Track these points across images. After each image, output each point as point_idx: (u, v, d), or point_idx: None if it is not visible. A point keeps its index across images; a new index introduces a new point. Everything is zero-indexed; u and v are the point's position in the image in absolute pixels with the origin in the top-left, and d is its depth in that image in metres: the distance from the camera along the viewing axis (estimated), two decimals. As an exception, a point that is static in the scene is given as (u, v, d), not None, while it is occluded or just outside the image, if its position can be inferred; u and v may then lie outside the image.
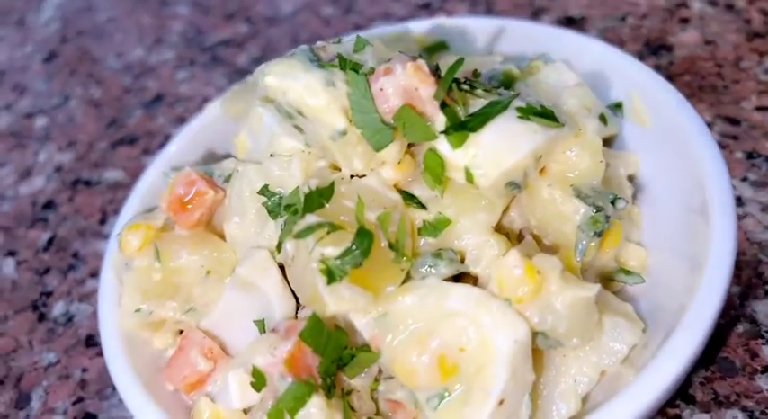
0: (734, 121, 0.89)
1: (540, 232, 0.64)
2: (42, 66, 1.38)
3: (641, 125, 0.71)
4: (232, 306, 0.65)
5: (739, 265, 0.74)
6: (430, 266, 0.59)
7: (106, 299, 0.69)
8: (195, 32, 1.35)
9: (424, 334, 0.56)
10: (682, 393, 0.67)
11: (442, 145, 0.60)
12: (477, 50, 0.83)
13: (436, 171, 0.60)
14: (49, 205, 1.08)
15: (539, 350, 0.59)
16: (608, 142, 0.72)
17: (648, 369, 0.54)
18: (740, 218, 0.79)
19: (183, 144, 0.81)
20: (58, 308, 0.92)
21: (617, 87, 0.73)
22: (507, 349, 0.54)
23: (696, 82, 0.95)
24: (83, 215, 1.05)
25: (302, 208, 0.58)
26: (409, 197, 0.62)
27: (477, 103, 0.61)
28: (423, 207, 0.62)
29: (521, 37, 0.81)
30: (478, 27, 0.84)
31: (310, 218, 0.58)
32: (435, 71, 0.61)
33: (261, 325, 0.63)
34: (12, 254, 1.02)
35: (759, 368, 0.68)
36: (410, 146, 0.62)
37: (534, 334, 0.56)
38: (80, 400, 0.82)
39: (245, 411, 0.61)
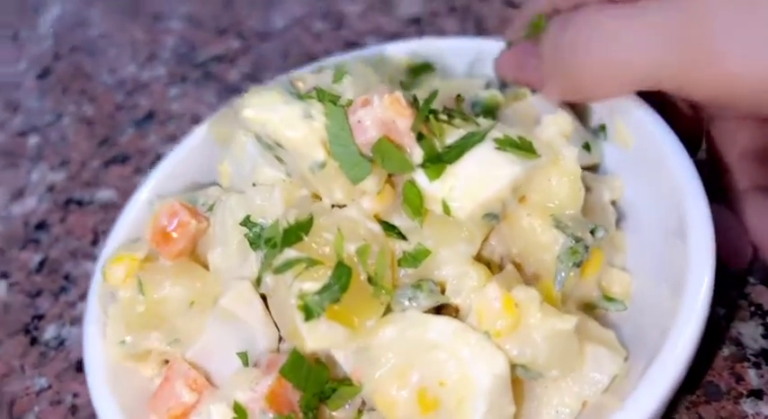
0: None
1: (522, 261, 0.64)
2: (36, 82, 1.38)
3: (624, 147, 0.71)
4: (215, 337, 0.65)
5: (725, 286, 0.74)
6: (410, 298, 0.59)
7: (91, 332, 0.69)
8: (188, 48, 1.35)
9: (405, 368, 0.56)
10: (666, 418, 0.67)
11: (420, 177, 0.60)
12: (462, 72, 0.83)
13: (415, 203, 0.60)
14: (41, 226, 1.08)
15: (520, 380, 0.59)
16: (593, 167, 0.72)
17: (631, 399, 0.53)
18: (727, 237, 0.78)
19: (170, 170, 0.81)
20: (49, 332, 0.93)
21: (599, 107, 0.73)
22: (486, 382, 0.54)
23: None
24: (75, 236, 1.05)
25: (281, 242, 0.58)
26: (390, 227, 0.62)
27: (455, 134, 0.61)
28: (403, 237, 0.61)
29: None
30: (464, 47, 0.84)
31: (289, 253, 0.58)
32: (413, 102, 0.61)
33: (244, 358, 0.63)
34: (4, 276, 1.02)
35: (744, 392, 0.67)
36: (390, 175, 0.62)
37: (513, 367, 0.57)
38: (71, 426, 0.82)
39: (229, 444, 0.61)
